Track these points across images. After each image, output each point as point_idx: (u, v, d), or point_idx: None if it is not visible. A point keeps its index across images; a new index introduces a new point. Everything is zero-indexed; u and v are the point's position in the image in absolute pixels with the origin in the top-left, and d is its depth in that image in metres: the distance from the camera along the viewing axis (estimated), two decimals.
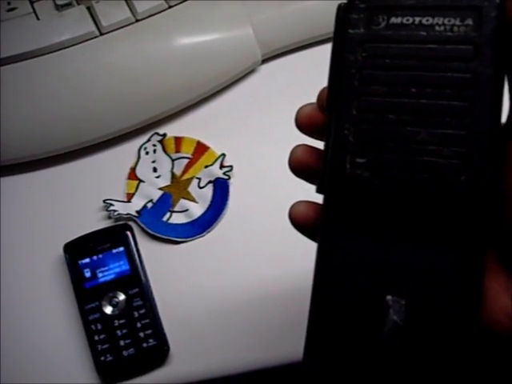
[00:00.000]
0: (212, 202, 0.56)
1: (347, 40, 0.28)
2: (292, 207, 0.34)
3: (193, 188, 0.56)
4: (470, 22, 0.26)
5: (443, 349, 0.27)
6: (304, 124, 0.33)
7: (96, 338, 0.51)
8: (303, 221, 0.33)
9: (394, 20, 0.27)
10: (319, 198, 0.31)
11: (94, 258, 0.53)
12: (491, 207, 0.26)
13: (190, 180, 0.56)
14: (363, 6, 0.27)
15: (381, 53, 0.27)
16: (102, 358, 0.50)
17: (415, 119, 0.26)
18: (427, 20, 0.26)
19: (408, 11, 0.27)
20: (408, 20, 0.27)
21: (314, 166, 0.31)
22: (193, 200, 0.56)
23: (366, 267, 0.28)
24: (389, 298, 0.27)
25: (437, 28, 0.26)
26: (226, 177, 0.56)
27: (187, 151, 0.57)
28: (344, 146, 0.27)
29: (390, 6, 0.27)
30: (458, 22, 0.26)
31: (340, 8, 0.29)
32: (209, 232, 0.55)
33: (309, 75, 0.57)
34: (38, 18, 0.57)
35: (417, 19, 0.26)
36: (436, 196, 0.26)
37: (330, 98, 0.29)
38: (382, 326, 0.27)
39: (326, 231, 0.29)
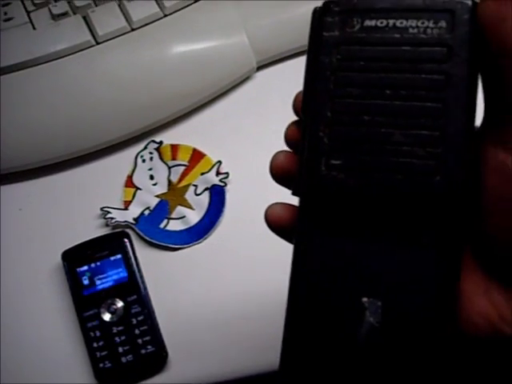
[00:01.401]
0: (208, 208, 0.56)
1: (322, 43, 0.28)
2: (268, 209, 0.34)
3: (189, 195, 0.56)
4: (443, 24, 0.26)
5: (418, 351, 0.27)
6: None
7: (95, 344, 0.51)
8: (278, 222, 0.33)
9: (368, 23, 0.27)
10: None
11: (92, 265, 0.53)
12: (466, 208, 0.27)
13: (186, 187, 0.57)
14: (337, 9, 0.27)
15: (355, 55, 0.27)
16: (101, 365, 0.51)
17: (389, 120, 0.26)
18: (401, 22, 0.26)
19: (382, 14, 0.27)
20: (382, 23, 0.27)
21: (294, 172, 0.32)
22: (189, 207, 0.56)
23: (342, 269, 0.28)
24: (365, 299, 0.28)
25: (410, 30, 0.26)
26: (222, 184, 0.56)
27: (183, 158, 0.58)
28: (319, 148, 0.27)
29: (365, 9, 0.27)
30: (431, 25, 0.26)
31: (315, 11, 0.29)
32: (206, 239, 0.55)
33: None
34: (34, 28, 0.58)
35: (391, 22, 0.27)
36: (411, 197, 0.26)
37: (306, 101, 0.29)
38: (358, 328, 0.28)
39: (301, 233, 0.29)
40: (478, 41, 0.25)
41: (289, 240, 0.33)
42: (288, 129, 0.34)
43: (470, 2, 0.26)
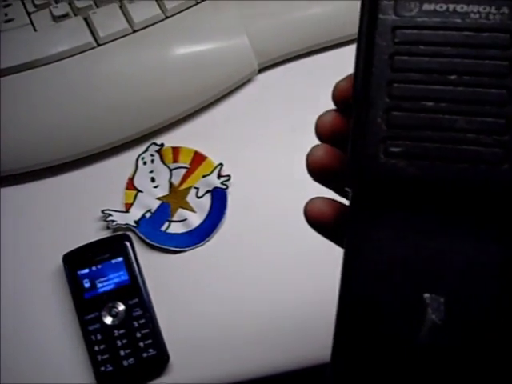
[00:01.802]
0: (210, 211, 0.56)
1: (378, 26, 0.26)
2: (307, 203, 0.32)
3: (191, 198, 0.56)
4: (505, 10, 0.25)
5: (485, 350, 0.26)
6: (326, 132, 0.31)
7: (96, 348, 0.51)
8: (320, 218, 0.31)
9: (427, 7, 0.26)
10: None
11: (93, 268, 0.53)
12: None
13: (187, 190, 0.57)
14: None
15: (415, 39, 0.26)
16: (103, 368, 0.50)
17: (452, 107, 0.25)
18: (461, 7, 0.26)
19: None
20: (441, 7, 0.26)
21: (336, 168, 0.30)
22: (191, 210, 0.56)
23: (401, 264, 0.27)
24: (427, 295, 0.26)
25: (472, 15, 0.26)
26: (223, 186, 0.56)
27: (185, 161, 0.58)
28: (377, 135, 0.26)
29: None
30: (493, 10, 0.25)
31: None
32: (207, 241, 0.55)
33: (305, 84, 0.58)
34: (35, 29, 0.57)
35: (451, 6, 0.26)
36: (477, 186, 0.25)
37: (359, 87, 0.27)
38: (419, 327, 0.26)
39: (356, 226, 0.27)
40: None
41: (327, 236, 0.32)
42: (323, 121, 0.31)
43: None
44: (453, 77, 0.26)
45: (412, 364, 0.26)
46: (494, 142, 0.25)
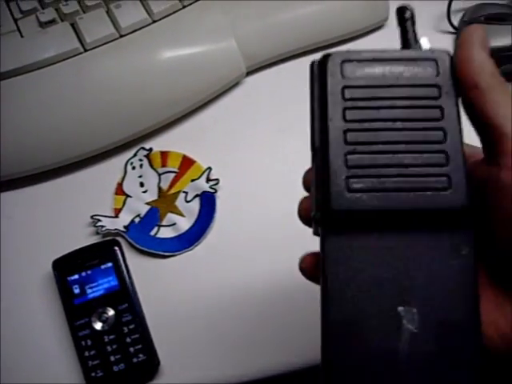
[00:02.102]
0: (199, 215, 0.56)
1: (328, 87, 0.32)
2: (301, 261, 0.36)
3: (180, 202, 0.56)
4: (430, 70, 0.32)
5: (459, 353, 0.29)
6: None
7: (86, 353, 0.51)
8: (314, 271, 0.35)
9: (367, 70, 0.32)
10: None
11: (83, 274, 0.53)
12: (478, 218, 0.31)
13: (176, 194, 0.57)
14: (338, 59, 0.32)
15: (361, 96, 0.31)
16: (93, 374, 0.50)
17: (400, 147, 0.31)
18: (396, 68, 0.32)
19: (377, 62, 0.32)
20: (379, 69, 0.32)
21: None
22: (180, 214, 0.56)
23: (374, 282, 0.30)
24: (401, 308, 0.30)
25: (405, 74, 0.31)
26: (212, 190, 0.56)
27: (173, 165, 0.58)
28: (341, 175, 0.31)
29: (362, 59, 0.32)
30: (421, 70, 0.32)
31: (313, 63, 0.33)
32: (196, 245, 0.55)
33: (294, 86, 0.57)
34: (21, 36, 0.58)
35: (387, 68, 0.32)
36: (430, 209, 0.30)
37: (318, 139, 0.32)
38: (398, 337, 0.29)
39: (331, 253, 0.31)
40: (457, 80, 0.31)
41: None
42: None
43: (449, 52, 0.32)
44: (398, 123, 0.31)
45: (395, 372, 0.29)
46: (438, 173, 0.30)
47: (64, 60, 0.57)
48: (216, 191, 0.56)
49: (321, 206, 0.31)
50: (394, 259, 0.30)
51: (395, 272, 0.30)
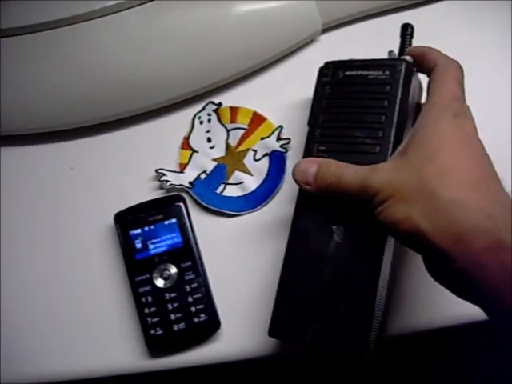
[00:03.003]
0: (268, 175, 0.54)
1: (321, 83, 0.49)
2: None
3: (248, 160, 0.54)
4: (387, 72, 0.47)
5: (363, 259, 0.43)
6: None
7: (146, 310, 0.49)
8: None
9: (347, 72, 0.48)
10: None
11: (146, 228, 0.51)
12: None
13: (245, 152, 0.54)
14: (331, 65, 0.49)
15: (339, 90, 0.48)
16: (152, 332, 0.49)
17: (356, 124, 0.46)
18: (364, 72, 0.47)
19: (354, 67, 0.48)
20: (354, 72, 0.48)
21: None
22: (248, 173, 0.54)
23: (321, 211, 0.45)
24: (334, 227, 0.44)
25: (369, 76, 0.47)
26: (283, 150, 0.54)
27: (243, 122, 0.55)
28: (314, 140, 0.47)
29: (345, 66, 0.48)
30: (381, 73, 0.47)
31: (321, 68, 0.49)
32: (264, 206, 0.53)
33: (369, 47, 0.54)
34: None
35: (359, 72, 0.47)
36: (364, 162, 0.43)
37: (310, 117, 0.48)
38: (328, 244, 0.44)
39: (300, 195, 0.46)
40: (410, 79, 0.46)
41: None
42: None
43: (406, 59, 0.47)
44: (359, 109, 0.46)
45: (323, 265, 0.44)
46: (374, 142, 0.45)
47: (133, 7, 0.55)
48: (287, 151, 0.54)
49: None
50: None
51: (336, 203, 0.44)
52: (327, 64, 0.49)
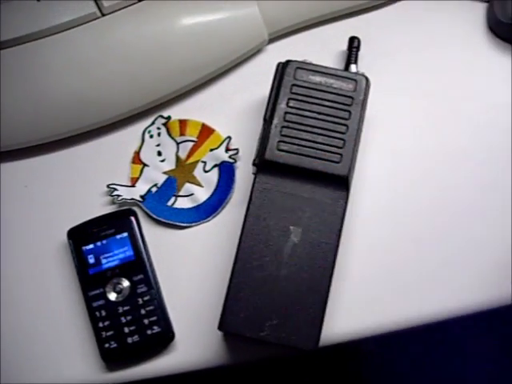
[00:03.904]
0: (217, 186, 0.54)
1: (283, 82, 0.50)
2: None
3: (198, 172, 0.55)
4: (350, 86, 0.50)
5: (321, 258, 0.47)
6: None
7: (100, 324, 0.50)
8: None
9: (310, 76, 0.50)
10: None
11: (98, 243, 0.52)
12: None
13: (195, 164, 0.55)
14: (294, 65, 0.50)
15: (301, 93, 0.50)
16: (107, 345, 0.50)
17: (317, 131, 0.49)
18: (329, 80, 0.50)
19: (319, 73, 0.50)
20: (318, 78, 0.50)
21: None
22: (198, 184, 0.55)
23: (279, 210, 0.48)
24: (292, 227, 0.48)
25: (333, 85, 0.50)
26: (231, 160, 0.55)
27: (192, 134, 0.56)
28: (275, 139, 0.49)
29: (309, 69, 0.50)
30: (344, 85, 0.50)
31: (279, 64, 0.52)
32: (214, 217, 0.54)
33: (316, 55, 0.55)
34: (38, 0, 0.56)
35: (323, 79, 0.50)
36: (325, 172, 0.48)
37: (269, 112, 0.50)
38: (285, 243, 0.47)
39: (257, 186, 0.49)
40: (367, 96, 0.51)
41: None
42: None
43: (366, 77, 0.50)
44: (320, 115, 0.49)
45: (278, 261, 0.47)
46: (336, 152, 0.49)
47: (81, 25, 0.56)
48: (235, 161, 0.55)
49: (259, 156, 0.50)
50: (295, 198, 0.49)
51: (294, 205, 0.48)
52: (288, 62, 0.50)
